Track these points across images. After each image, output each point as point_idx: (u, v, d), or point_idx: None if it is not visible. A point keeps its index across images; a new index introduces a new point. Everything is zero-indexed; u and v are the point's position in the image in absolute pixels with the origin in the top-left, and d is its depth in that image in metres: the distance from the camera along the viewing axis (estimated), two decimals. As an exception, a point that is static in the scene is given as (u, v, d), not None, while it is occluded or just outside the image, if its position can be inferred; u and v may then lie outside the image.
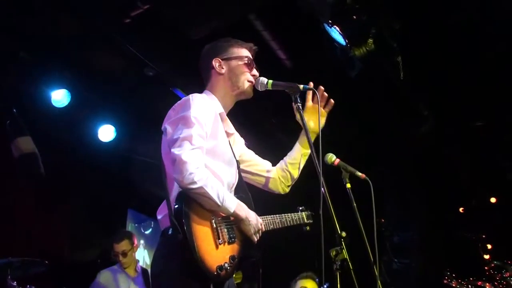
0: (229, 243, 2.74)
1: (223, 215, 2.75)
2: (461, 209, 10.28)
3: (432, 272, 8.38)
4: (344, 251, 2.45)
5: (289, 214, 3.23)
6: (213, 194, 2.61)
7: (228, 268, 2.64)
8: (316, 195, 2.50)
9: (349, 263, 2.46)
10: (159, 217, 2.80)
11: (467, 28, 5.68)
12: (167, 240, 2.67)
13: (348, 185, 3.15)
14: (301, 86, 2.84)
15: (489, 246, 9.68)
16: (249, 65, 3.07)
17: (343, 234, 2.49)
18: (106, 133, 6.77)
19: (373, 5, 5.10)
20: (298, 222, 3.26)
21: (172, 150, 2.63)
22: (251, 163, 3.30)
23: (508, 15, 5.35)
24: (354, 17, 4.90)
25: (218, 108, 2.98)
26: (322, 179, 2.54)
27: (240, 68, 3.05)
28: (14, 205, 6.16)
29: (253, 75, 3.07)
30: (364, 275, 2.69)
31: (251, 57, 3.11)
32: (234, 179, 2.99)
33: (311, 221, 3.34)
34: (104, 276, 5.55)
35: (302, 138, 3.28)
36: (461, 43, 5.95)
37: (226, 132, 3.04)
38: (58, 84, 5.98)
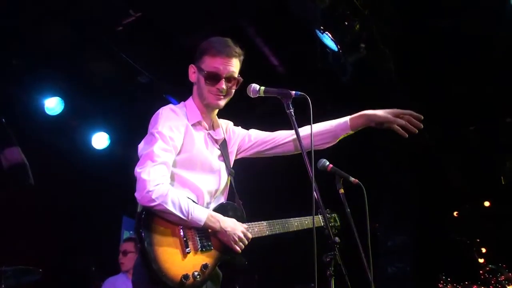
0: (201, 251, 2.75)
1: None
2: (455, 213, 10.31)
3: (426, 276, 8.38)
4: (338, 256, 2.46)
5: (296, 218, 3.21)
6: (175, 209, 2.63)
7: (198, 276, 2.66)
8: (309, 201, 2.51)
9: (343, 268, 2.47)
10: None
11: (459, 33, 5.71)
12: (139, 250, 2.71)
13: (342, 191, 3.16)
14: (293, 93, 2.83)
15: (483, 250, 9.70)
16: (213, 78, 2.92)
17: (337, 239, 2.49)
18: (100, 140, 6.76)
19: (364, 11, 5.13)
20: (309, 226, 3.20)
21: (135, 168, 2.69)
22: (267, 142, 3.27)
23: (498, 19, 5.39)
24: (346, 23, 4.92)
25: (193, 118, 2.98)
26: (315, 184, 2.55)
27: (205, 83, 2.94)
28: (7, 213, 6.13)
29: (217, 89, 2.93)
30: (358, 280, 2.69)
31: (220, 69, 2.91)
32: (216, 186, 2.99)
33: (335, 224, 3.38)
34: (107, 282, 5.59)
35: (356, 119, 3.25)
36: (455, 47, 5.98)
37: (212, 138, 3.06)
38: (51, 92, 5.97)
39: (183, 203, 2.68)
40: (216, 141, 3.10)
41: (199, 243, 2.75)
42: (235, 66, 2.97)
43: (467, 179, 9.15)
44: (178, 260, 2.66)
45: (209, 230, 2.81)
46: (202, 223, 2.74)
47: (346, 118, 3.25)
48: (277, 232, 3.11)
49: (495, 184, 9.13)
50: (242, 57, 3.03)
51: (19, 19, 5.02)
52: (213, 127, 3.13)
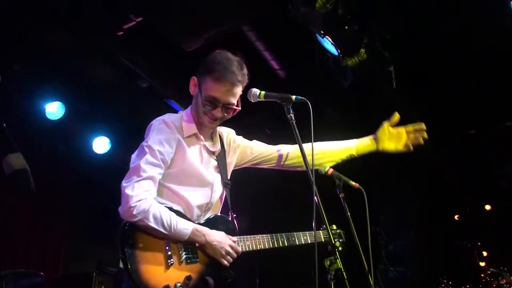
0: (186, 263, 2.76)
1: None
2: (456, 217, 10.31)
3: (428, 280, 8.37)
4: (338, 261, 2.46)
5: (303, 232, 3.20)
6: (156, 224, 2.65)
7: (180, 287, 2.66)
8: (310, 205, 2.51)
9: (344, 272, 2.47)
10: None
11: (459, 37, 5.72)
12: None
13: (342, 195, 3.16)
14: (293, 97, 2.82)
15: (484, 253, 9.68)
16: (211, 104, 2.88)
17: (337, 243, 2.50)
18: (101, 145, 6.77)
19: (365, 15, 5.14)
20: (308, 242, 3.20)
21: (122, 182, 2.72)
22: (264, 157, 3.29)
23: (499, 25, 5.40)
24: (346, 27, 4.92)
25: (189, 131, 2.95)
26: (315, 188, 2.55)
27: (200, 104, 2.91)
28: (8, 217, 6.14)
29: (212, 115, 2.90)
30: (359, 285, 2.69)
31: (219, 97, 2.85)
32: (208, 199, 2.98)
33: (338, 241, 3.25)
34: None
35: (362, 145, 3.35)
36: (454, 51, 5.99)
37: (208, 150, 3.05)
38: (52, 97, 5.99)
39: (165, 217, 2.68)
40: (212, 152, 3.08)
41: (183, 255, 2.76)
42: (235, 94, 2.91)
43: (468, 182, 9.15)
44: (160, 271, 2.67)
45: (196, 244, 2.81)
46: (186, 237, 2.75)
47: (353, 142, 3.34)
48: (281, 245, 3.10)
49: (496, 187, 9.12)
50: (246, 82, 2.96)
51: (20, 24, 5.03)
52: (211, 137, 3.11)
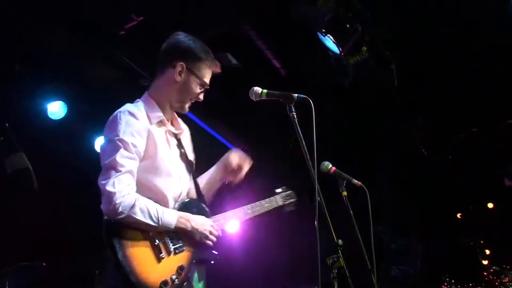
0: (175, 253, 2.73)
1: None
2: (458, 215, 10.29)
3: (430, 278, 8.36)
4: (341, 259, 2.46)
5: (262, 201, 3.22)
6: (145, 218, 2.60)
7: (176, 279, 2.65)
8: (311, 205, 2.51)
9: (346, 271, 2.47)
10: None
11: (460, 36, 5.72)
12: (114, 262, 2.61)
13: (345, 193, 3.16)
14: (296, 96, 2.81)
15: (487, 252, 9.68)
16: (201, 89, 2.97)
17: (340, 242, 2.49)
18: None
19: (366, 14, 5.14)
20: (274, 207, 3.24)
21: (98, 180, 2.64)
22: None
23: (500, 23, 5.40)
24: (348, 25, 4.92)
25: (155, 117, 2.90)
26: (318, 186, 2.54)
27: (194, 89, 2.94)
28: (11, 215, 6.14)
29: (196, 99, 2.99)
30: (362, 283, 2.69)
31: (208, 83, 2.99)
32: (179, 189, 2.95)
33: (292, 200, 3.31)
34: None
35: (219, 166, 3.23)
36: (456, 49, 5.99)
37: (172, 133, 3.01)
38: (54, 96, 5.99)
39: (152, 210, 2.65)
40: (175, 135, 3.04)
41: (171, 245, 2.73)
42: None
43: (470, 180, 9.14)
44: (155, 267, 2.63)
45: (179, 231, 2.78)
46: (173, 227, 2.72)
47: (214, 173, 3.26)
48: (249, 217, 3.11)
49: (498, 185, 9.11)
50: None
51: (21, 23, 5.03)
52: (171, 121, 3.08)
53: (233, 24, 5.28)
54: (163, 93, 2.95)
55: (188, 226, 2.78)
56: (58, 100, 6.02)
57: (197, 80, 2.93)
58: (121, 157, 2.65)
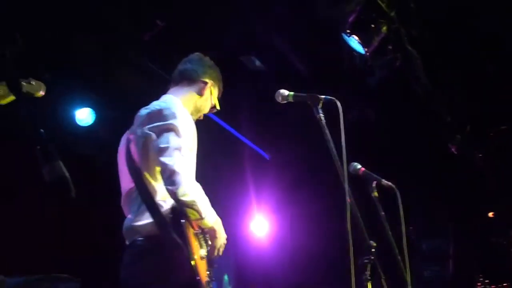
0: (205, 255, 2.74)
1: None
2: (490, 214, 10.10)
3: (464, 279, 8.23)
4: (374, 261, 2.44)
5: None
6: (201, 207, 2.62)
7: (210, 281, 2.67)
8: (342, 205, 2.49)
9: (380, 272, 2.44)
10: (138, 223, 2.70)
11: (488, 33, 5.63)
12: (156, 250, 2.61)
13: (375, 194, 3.13)
14: (322, 97, 2.82)
15: (521, 251, 9.46)
16: (211, 111, 3.29)
17: (372, 243, 2.47)
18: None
19: (391, 13, 5.09)
20: None
21: (162, 159, 2.59)
22: None
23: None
24: (372, 25, 4.89)
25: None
26: (348, 188, 2.52)
27: (207, 106, 3.21)
28: (45, 221, 6.21)
29: (201, 116, 3.23)
30: (395, 285, 2.66)
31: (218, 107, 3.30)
32: None
33: None
34: None
35: None
36: (484, 46, 5.89)
37: None
38: (82, 103, 6.08)
39: (204, 201, 2.69)
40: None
41: (204, 245, 2.75)
42: None
43: (502, 178, 8.97)
44: (201, 264, 2.63)
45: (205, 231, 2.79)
46: (210, 225, 2.74)
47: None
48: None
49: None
50: None
51: (48, 31, 5.12)
52: None
53: (257, 26, 5.29)
54: (189, 103, 3.10)
55: (221, 232, 2.81)
56: (86, 107, 6.12)
57: (212, 101, 3.21)
58: (184, 144, 2.69)
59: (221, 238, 2.82)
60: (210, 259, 2.79)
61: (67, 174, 1.88)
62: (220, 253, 2.86)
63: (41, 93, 2.22)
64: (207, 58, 3.29)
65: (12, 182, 5.68)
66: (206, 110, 3.21)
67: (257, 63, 5.76)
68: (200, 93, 3.13)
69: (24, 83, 2.12)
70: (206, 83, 3.14)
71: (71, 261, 6.22)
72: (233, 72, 5.46)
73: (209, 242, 2.80)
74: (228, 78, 3.42)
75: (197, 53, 3.30)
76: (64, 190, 1.88)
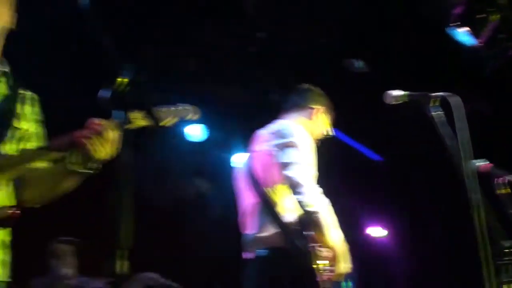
0: None
1: None
2: None
3: None
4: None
5: None
6: (323, 219, 2.73)
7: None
8: (466, 205, 2.39)
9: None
10: (262, 234, 2.86)
11: None
12: (281, 261, 2.73)
13: (503, 191, 2.97)
14: (435, 95, 2.72)
15: None
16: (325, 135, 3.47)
17: (507, 243, 2.35)
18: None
19: (500, 1, 4.84)
20: None
21: (286, 172, 2.79)
22: None
23: None
24: (482, 15, 4.67)
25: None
26: (473, 186, 2.41)
27: (319, 131, 3.39)
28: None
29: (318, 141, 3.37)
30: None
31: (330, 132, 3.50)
32: None
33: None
34: None
35: None
36: None
37: None
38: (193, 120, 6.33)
39: (325, 216, 2.79)
40: None
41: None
42: None
43: None
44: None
45: None
46: (331, 243, 2.80)
47: None
48: None
49: None
50: None
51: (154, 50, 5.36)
52: None
53: (360, 28, 5.27)
54: (306, 124, 3.30)
55: (343, 257, 2.85)
56: (197, 123, 6.36)
57: (323, 126, 3.41)
58: (305, 160, 2.91)
59: (342, 263, 2.83)
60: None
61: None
62: (340, 279, 2.87)
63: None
64: (315, 88, 3.49)
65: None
66: (318, 135, 3.36)
67: (360, 65, 5.72)
68: (309, 118, 3.33)
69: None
70: (313, 108, 3.34)
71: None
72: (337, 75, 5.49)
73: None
74: (331, 82, 3.58)
75: (306, 84, 3.53)
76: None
